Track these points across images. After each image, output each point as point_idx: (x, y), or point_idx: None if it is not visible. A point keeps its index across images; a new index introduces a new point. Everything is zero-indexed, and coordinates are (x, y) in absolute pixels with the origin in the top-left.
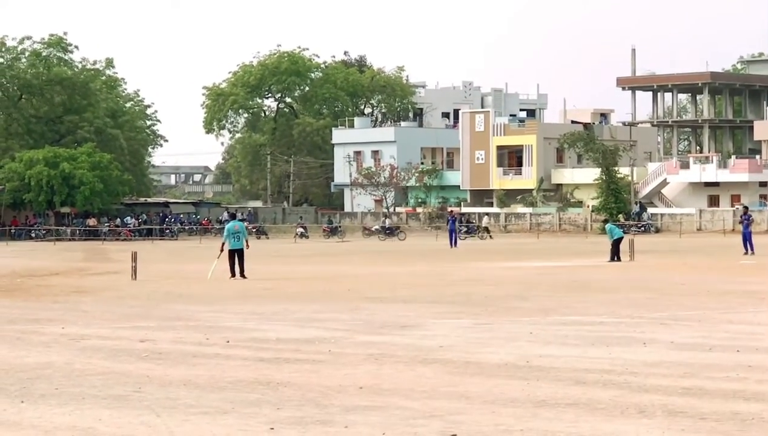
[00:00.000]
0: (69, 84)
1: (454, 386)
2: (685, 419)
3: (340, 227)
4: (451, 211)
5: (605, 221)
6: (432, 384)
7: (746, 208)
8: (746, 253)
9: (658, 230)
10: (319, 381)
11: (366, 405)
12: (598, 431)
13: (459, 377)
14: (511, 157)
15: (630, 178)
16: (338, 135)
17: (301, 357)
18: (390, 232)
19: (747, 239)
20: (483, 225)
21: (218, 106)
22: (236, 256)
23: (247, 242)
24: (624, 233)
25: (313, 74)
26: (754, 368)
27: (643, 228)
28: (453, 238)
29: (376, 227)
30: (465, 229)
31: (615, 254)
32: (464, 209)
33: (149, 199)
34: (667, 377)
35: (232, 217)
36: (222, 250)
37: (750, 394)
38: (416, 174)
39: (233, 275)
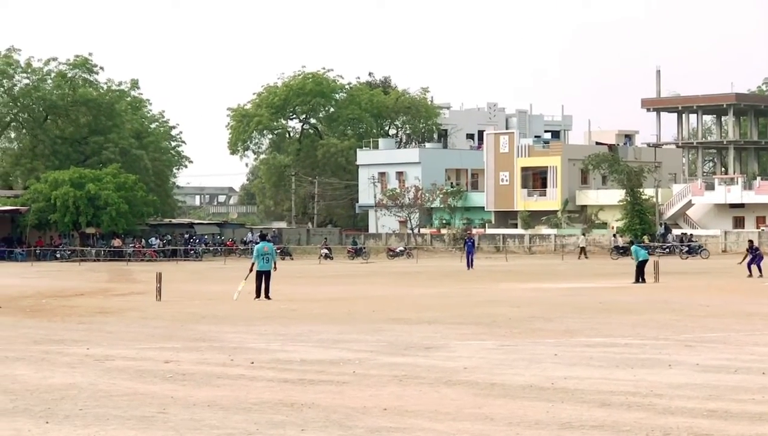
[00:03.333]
0: (94, 105)
1: (478, 408)
2: None
3: (364, 248)
4: (470, 233)
5: (630, 243)
6: (456, 406)
7: (751, 241)
8: (750, 275)
9: None
10: (343, 402)
11: (390, 426)
12: None
13: (483, 399)
14: (536, 179)
15: (655, 199)
16: (363, 156)
17: (325, 378)
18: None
19: (755, 263)
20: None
21: (243, 127)
22: (263, 277)
23: (275, 264)
24: (649, 254)
25: (337, 95)
26: None
27: (667, 250)
28: (470, 259)
29: (400, 248)
30: (686, 248)
31: (639, 276)
32: (489, 230)
33: (174, 220)
34: (693, 400)
35: (263, 238)
36: (251, 270)
37: None
38: (440, 195)
39: (258, 295)
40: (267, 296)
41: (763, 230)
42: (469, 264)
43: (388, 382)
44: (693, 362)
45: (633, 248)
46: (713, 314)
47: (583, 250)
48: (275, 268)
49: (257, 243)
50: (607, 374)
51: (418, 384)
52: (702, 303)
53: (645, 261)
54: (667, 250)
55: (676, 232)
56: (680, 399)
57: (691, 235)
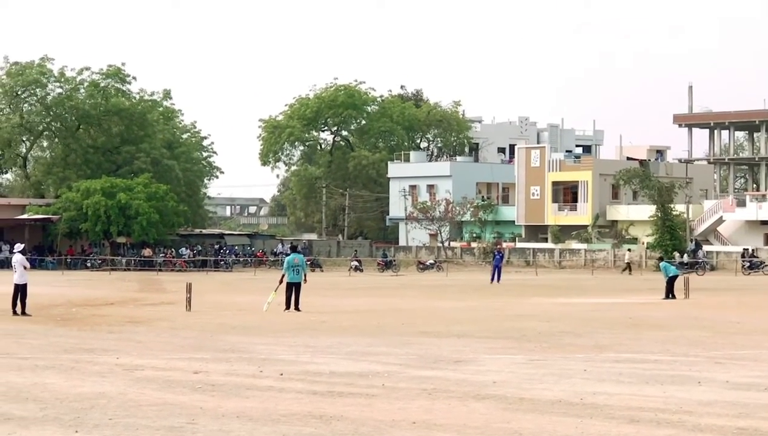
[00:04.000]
0: (126, 115)
1: (507, 423)
2: None
3: (394, 260)
4: (499, 247)
5: (660, 259)
6: (485, 420)
7: None
8: None
9: (713, 268)
10: (372, 415)
11: None
12: None
13: (512, 414)
14: (567, 193)
15: (686, 215)
16: (394, 169)
17: (354, 391)
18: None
19: None
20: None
21: (274, 139)
22: (293, 289)
23: (305, 276)
24: (679, 271)
25: (369, 108)
26: None
27: (698, 266)
28: (496, 273)
29: (430, 261)
30: (748, 264)
31: (669, 292)
32: (519, 245)
33: (204, 231)
34: (722, 417)
35: (293, 249)
36: (281, 281)
37: None
38: (471, 209)
39: (288, 307)
40: (297, 308)
41: None
42: (495, 277)
43: (417, 395)
44: (723, 379)
45: (662, 264)
46: (744, 331)
47: (629, 265)
48: (305, 280)
49: (288, 255)
50: (637, 390)
51: (447, 398)
52: (732, 320)
53: (675, 277)
54: (697, 266)
55: (731, 248)
56: (710, 416)
57: (754, 250)
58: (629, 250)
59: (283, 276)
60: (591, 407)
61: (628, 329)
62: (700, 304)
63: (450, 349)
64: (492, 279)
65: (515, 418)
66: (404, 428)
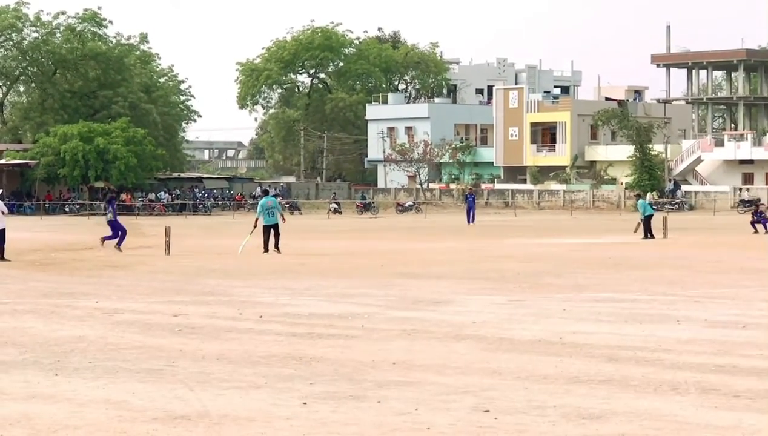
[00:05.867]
0: (103, 59)
1: (486, 363)
2: (719, 397)
3: (373, 202)
4: (470, 189)
5: (638, 197)
6: (465, 360)
7: (756, 203)
8: (755, 232)
9: (692, 208)
10: (352, 356)
11: (399, 381)
12: (631, 408)
13: (492, 354)
14: (545, 134)
15: (664, 155)
16: (372, 111)
17: (334, 332)
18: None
19: (761, 222)
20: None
21: (252, 82)
22: (271, 231)
23: (282, 216)
24: (654, 210)
25: (346, 50)
26: None
27: (676, 206)
28: (470, 214)
29: (409, 203)
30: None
31: (647, 232)
32: (498, 186)
33: (183, 175)
34: (701, 355)
35: (265, 193)
36: (255, 225)
37: None
38: (450, 150)
39: (266, 250)
40: (277, 250)
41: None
42: (470, 219)
43: (396, 336)
44: (701, 317)
45: (639, 202)
46: (722, 270)
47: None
48: (283, 220)
49: (260, 198)
50: (616, 329)
51: (426, 338)
52: (710, 259)
53: (651, 216)
54: (676, 206)
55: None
56: (688, 354)
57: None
58: (652, 190)
59: (257, 220)
60: (570, 347)
61: (608, 269)
62: (678, 243)
63: (429, 290)
64: (468, 221)
65: (495, 358)
66: (384, 369)
